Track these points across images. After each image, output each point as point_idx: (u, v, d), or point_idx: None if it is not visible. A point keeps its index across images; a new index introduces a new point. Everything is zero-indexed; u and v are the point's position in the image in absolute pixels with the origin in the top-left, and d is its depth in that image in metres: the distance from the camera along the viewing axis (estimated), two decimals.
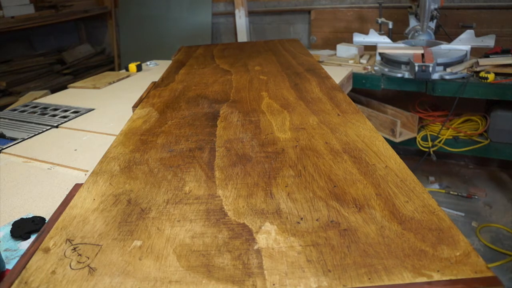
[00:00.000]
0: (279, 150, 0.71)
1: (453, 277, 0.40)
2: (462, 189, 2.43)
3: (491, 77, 1.83)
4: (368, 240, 0.47)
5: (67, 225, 0.53)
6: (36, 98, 1.68)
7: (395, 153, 0.67)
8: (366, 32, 2.24)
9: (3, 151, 1.07)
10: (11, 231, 0.68)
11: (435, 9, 2.10)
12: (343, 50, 2.39)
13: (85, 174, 0.91)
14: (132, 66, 1.93)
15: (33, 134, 1.17)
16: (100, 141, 1.10)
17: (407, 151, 2.78)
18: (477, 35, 1.99)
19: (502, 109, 1.97)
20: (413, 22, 2.28)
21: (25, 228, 0.69)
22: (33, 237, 0.67)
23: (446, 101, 2.13)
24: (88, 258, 0.47)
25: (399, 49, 2.10)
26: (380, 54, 2.16)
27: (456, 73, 1.91)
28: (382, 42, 2.20)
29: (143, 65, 2.04)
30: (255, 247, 0.47)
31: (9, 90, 3.06)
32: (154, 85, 1.19)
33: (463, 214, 2.19)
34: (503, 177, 2.55)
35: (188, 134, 0.80)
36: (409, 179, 0.59)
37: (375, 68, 2.13)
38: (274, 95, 1.02)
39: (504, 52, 1.98)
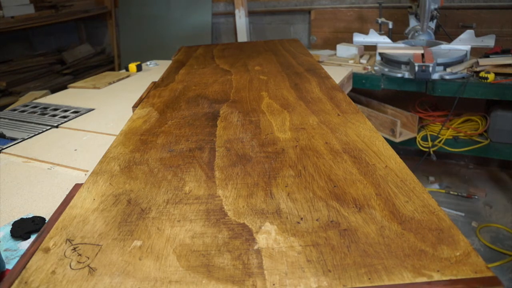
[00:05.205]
0: (279, 150, 0.71)
1: (453, 277, 0.40)
2: (462, 189, 2.43)
3: (491, 77, 1.83)
4: (368, 240, 0.47)
5: (67, 225, 0.53)
6: (36, 98, 1.68)
7: (395, 153, 0.67)
8: (366, 32, 2.24)
9: (3, 151, 1.07)
10: (11, 231, 0.68)
11: (435, 9, 2.10)
12: (343, 50, 2.39)
13: (85, 174, 0.91)
14: (132, 66, 1.93)
15: (33, 134, 1.17)
16: (100, 141, 1.10)
17: (407, 151, 2.77)
18: (477, 35, 1.99)
19: (502, 109, 1.97)
20: (413, 22, 2.28)
21: (25, 228, 0.69)
22: (33, 237, 0.67)
23: (446, 101, 2.13)
24: (88, 258, 0.47)
25: (399, 49, 2.10)
26: (380, 54, 2.16)
27: (456, 73, 1.91)
28: (382, 42, 2.20)
29: (143, 65, 2.04)
30: (255, 247, 0.47)
31: (9, 90, 3.06)
32: (154, 85, 1.19)
33: (463, 214, 2.19)
34: (503, 177, 2.55)
35: (188, 134, 0.80)
36: (409, 179, 0.59)
37: (375, 68, 2.13)
38: (274, 95, 1.02)
39: (504, 52, 1.98)
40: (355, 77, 2.05)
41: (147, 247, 0.48)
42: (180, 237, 0.50)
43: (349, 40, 2.33)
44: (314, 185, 0.59)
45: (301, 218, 0.51)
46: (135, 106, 1.03)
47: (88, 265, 0.46)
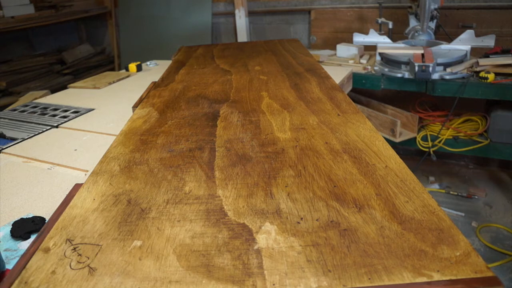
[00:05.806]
0: (279, 150, 0.71)
1: (453, 277, 0.40)
2: (462, 189, 2.43)
3: (491, 77, 1.83)
4: (368, 240, 0.47)
5: (67, 225, 0.53)
6: (36, 98, 1.68)
7: (395, 153, 0.67)
8: (366, 32, 2.24)
9: (3, 151, 1.07)
10: (11, 231, 0.68)
11: (435, 9, 2.10)
12: (343, 50, 2.39)
13: (85, 174, 0.91)
14: (132, 66, 1.93)
15: (33, 134, 1.17)
16: (100, 141, 1.10)
17: (407, 151, 2.77)
18: (477, 35, 1.99)
19: (502, 109, 1.97)
20: (413, 22, 2.28)
21: (25, 228, 0.69)
22: (33, 237, 0.67)
23: (446, 101, 2.13)
24: (88, 258, 0.47)
25: (399, 49, 2.10)
26: (380, 54, 2.16)
27: (456, 73, 1.91)
28: (382, 42, 2.20)
29: (143, 65, 2.04)
30: (255, 247, 0.47)
31: (9, 90, 3.06)
32: (154, 85, 1.19)
33: (463, 214, 2.19)
34: (503, 177, 2.55)
35: (188, 134, 0.80)
36: (409, 179, 0.59)
37: (375, 68, 2.13)
38: (274, 95, 1.02)
39: (504, 52, 1.98)
40: (355, 77, 2.05)
41: (147, 247, 0.48)
42: (180, 237, 0.50)
43: (349, 40, 2.33)
44: (314, 185, 0.59)
45: (301, 218, 0.51)
46: (135, 106, 1.03)
47: (88, 265, 0.46)
